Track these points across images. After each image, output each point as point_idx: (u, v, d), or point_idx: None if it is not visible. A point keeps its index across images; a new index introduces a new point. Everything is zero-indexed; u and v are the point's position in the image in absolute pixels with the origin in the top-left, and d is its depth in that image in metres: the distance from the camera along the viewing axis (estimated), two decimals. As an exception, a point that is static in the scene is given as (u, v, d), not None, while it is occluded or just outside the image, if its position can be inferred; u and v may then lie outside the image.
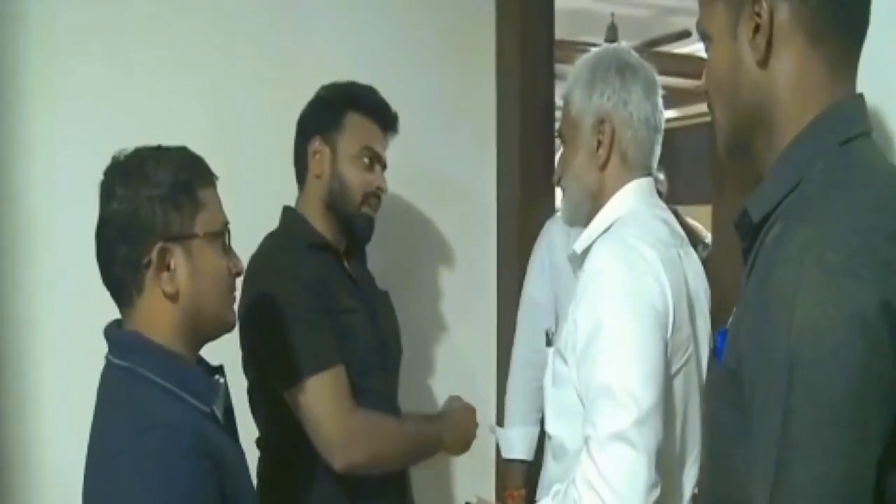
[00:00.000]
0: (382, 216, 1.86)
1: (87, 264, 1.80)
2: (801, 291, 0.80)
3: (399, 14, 2.27)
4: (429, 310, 2.34)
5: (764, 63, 0.94)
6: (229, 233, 1.27)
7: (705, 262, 1.54)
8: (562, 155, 1.54)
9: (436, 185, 2.32)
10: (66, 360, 1.89)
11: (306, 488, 1.62)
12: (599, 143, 1.45)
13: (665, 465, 1.28)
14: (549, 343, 1.96)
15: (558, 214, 2.09)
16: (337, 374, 1.58)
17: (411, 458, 1.75)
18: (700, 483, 1.02)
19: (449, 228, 2.36)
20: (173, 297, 1.19)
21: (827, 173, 0.88)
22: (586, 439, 1.27)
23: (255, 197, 1.71)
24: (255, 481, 1.47)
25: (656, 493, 1.24)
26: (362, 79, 1.78)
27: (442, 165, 2.33)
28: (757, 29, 0.93)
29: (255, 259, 1.62)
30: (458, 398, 1.87)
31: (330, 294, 1.64)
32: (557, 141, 1.61)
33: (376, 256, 1.91)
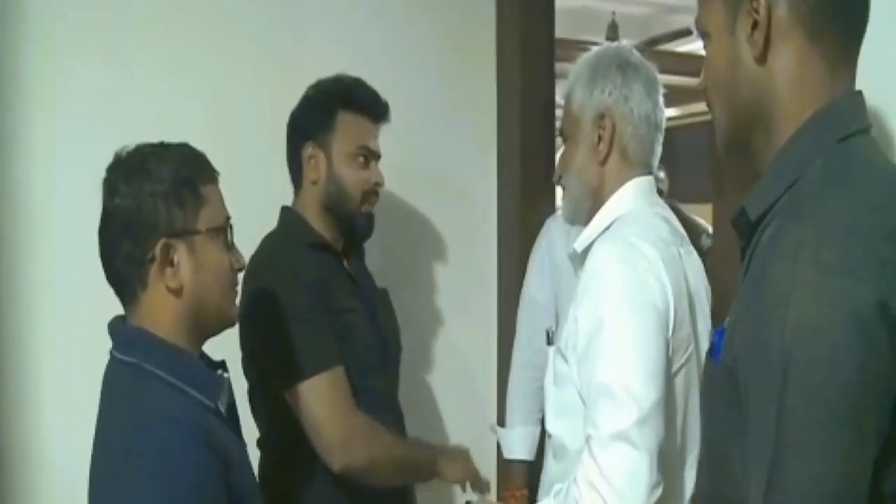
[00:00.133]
0: (383, 216, 1.86)
1: (87, 263, 1.80)
2: (796, 290, 0.79)
3: (399, 14, 2.27)
4: (429, 309, 2.34)
5: (762, 60, 0.93)
6: (231, 228, 1.28)
7: (707, 254, 1.54)
8: (563, 153, 1.54)
9: (436, 184, 2.32)
10: (67, 359, 1.89)
11: (307, 488, 1.62)
12: (600, 137, 1.45)
13: (666, 464, 1.28)
14: (549, 342, 1.96)
15: (558, 213, 2.09)
16: (337, 375, 1.58)
17: (406, 474, 1.72)
18: (698, 483, 1.02)
19: (449, 228, 2.36)
20: (177, 293, 1.20)
21: (824, 171, 0.87)
22: (587, 439, 1.27)
23: (254, 196, 1.71)
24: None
25: (658, 492, 1.24)
26: (363, 78, 1.78)
27: (442, 165, 2.33)
28: (755, 25, 0.93)
29: (254, 259, 1.62)
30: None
31: (330, 294, 1.64)
32: (558, 141, 1.60)
33: (377, 256, 1.91)
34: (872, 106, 0.99)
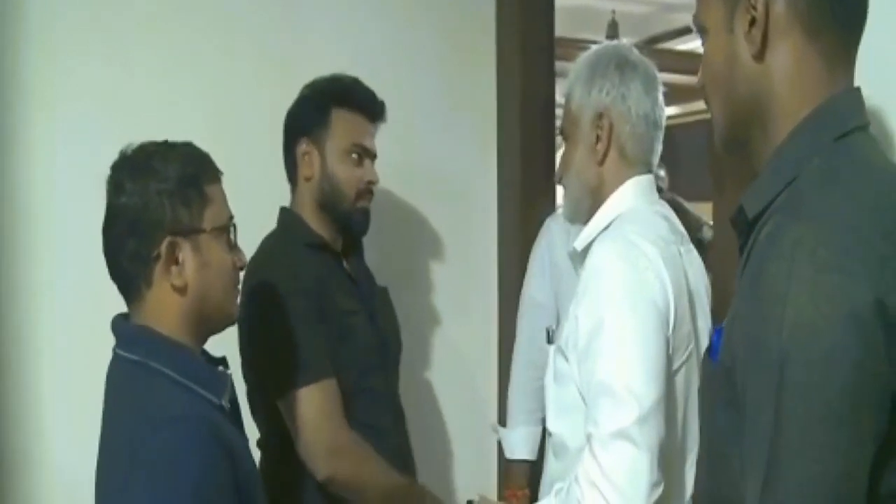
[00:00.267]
0: (384, 216, 1.86)
1: (87, 263, 1.80)
2: (793, 288, 0.79)
3: (399, 13, 2.27)
4: (429, 309, 2.33)
5: (760, 57, 0.93)
6: (235, 228, 1.29)
7: (709, 248, 1.54)
8: (563, 152, 1.54)
9: (436, 183, 2.32)
10: (67, 359, 1.89)
11: (307, 488, 1.62)
12: (598, 137, 1.45)
13: (667, 462, 1.28)
14: (550, 341, 1.96)
15: (558, 212, 2.09)
16: (329, 388, 1.58)
17: (386, 499, 1.68)
18: (697, 482, 1.02)
19: (450, 227, 2.35)
20: (182, 291, 1.21)
21: (822, 169, 0.87)
22: (588, 437, 1.26)
23: (254, 196, 1.70)
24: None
25: (659, 490, 1.24)
26: (362, 78, 1.78)
27: (442, 164, 2.33)
28: (753, 22, 0.92)
29: (254, 260, 1.62)
30: None
31: (329, 296, 1.64)
32: (559, 140, 1.60)
33: (377, 255, 1.91)
34: (872, 104, 0.98)
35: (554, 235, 2.07)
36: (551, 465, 1.49)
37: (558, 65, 2.44)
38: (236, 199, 1.33)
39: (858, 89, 0.94)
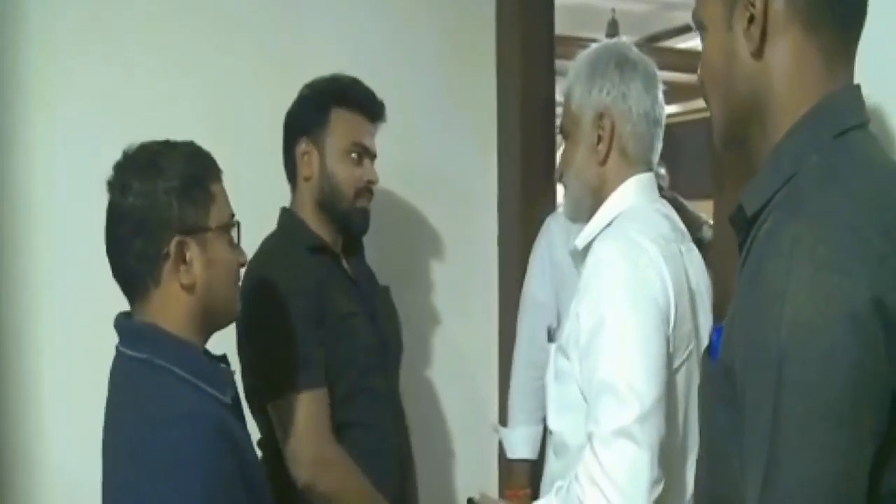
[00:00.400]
0: (384, 215, 1.86)
1: (87, 263, 1.80)
2: (791, 287, 0.78)
3: (399, 13, 2.27)
4: (430, 308, 2.33)
5: (758, 54, 0.93)
6: (239, 225, 1.30)
7: (709, 246, 1.54)
8: (564, 150, 1.54)
9: (437, 183, 2.32)
10: (67, 359, 1.89)
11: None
12: (599, 137, 1.45)
13: (668, 460, 1.27)
14: (551, 339, 1.95)
15: (558, 211, 2.09)
16: (319, 397, 1.59)
17: None
18: (697, 482, 1.01)
19: (450, 227, 2.35)
20: (190, 289, 1.22)
21: (821, 167, 0.87)
22: (589, 436, 1.26)
23: (254, 196, 1.70)
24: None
25: (659, 488, 1.24)
26: (362, 78, 1.78)
27: (442, 163, 2.33)
28: (751, 19, 0.92)
29: (253, 262, 1.62)
30: None
31: (329, 299, 1.64)
32: (559, 138, 1.60)
33: (377, 255, 1.91)
34: (872, 102, 0.98)
35: (554, 234, 2.07)
36: (552, 464, 1.49)
37: (558, 63, 2.44)
38: (236, 199, 1.34)
39: (858, 87, 0.94)
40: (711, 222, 2.89)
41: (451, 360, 2.36)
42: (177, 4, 2.02)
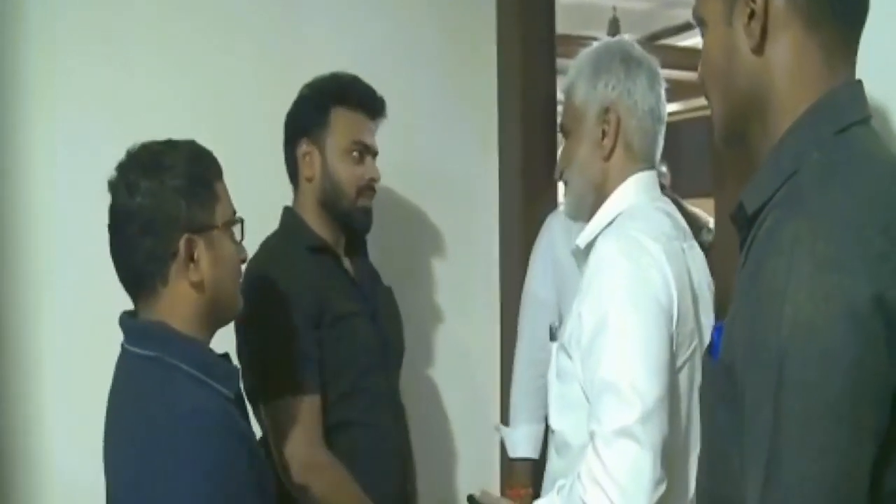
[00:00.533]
0: (384, 213, 1.85)
1: (87, 263, 1.79)
2: (791, 285, 0.78)
3: (400, 12, 2.26)
4: (431, 307, 2.33)
5: (759, 50, 0.92)
6: (242, 222, 1.32)
7: (709, 248, 1.53)
8: (565, 148, 1.53)
9: (437, 181, 2.31)
10: (67, 360, 1.89)
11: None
12: (604, 132, 1.44)
13: (670, 460, 1.27)
14: (552, 338, 1.95)
15: (559, 209, 2.08)
16: (311, 403, 1.59)
17: None
18: (698, 481, 1.01)
19: (451, 224, 2.35)
20: (198, 287, 1.23)
21: (822, 164, 0.86)
22: (591, 435, 1.26)
23: (254, 196, 1.70)
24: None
25: (662, 488, 1.24)
26: (363, 77, 1.78)
27: (443, 161, 2.32)
28: (752, 15, 0.91)
29: (254, 262, 1.61)
30: None
31: (328, 299, 1.64)
32: (560, 136, 1.60)
33: (378, 253, 1.91)
34: (875, 98, 0.98)
35: (555, 233, 2.07)
36: (553, 463, 1.49)
37: (559, 62, 2.43)
38: (236, 199, 1.34)
39: (860, 82, 0.93)
40: (711, 224, 2.89)
41: (453, 359, 2.36)
42: (177, 4, 2.02)
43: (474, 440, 2.37)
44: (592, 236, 1.43)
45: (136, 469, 1.15)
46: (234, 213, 1.31)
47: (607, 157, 1.45)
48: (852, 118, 0.90)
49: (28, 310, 1.89)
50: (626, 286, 1.30)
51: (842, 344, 0.76)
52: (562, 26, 2.50)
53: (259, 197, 1.74)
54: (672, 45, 4.53)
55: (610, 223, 1.42)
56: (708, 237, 2.73)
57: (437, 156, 2.31)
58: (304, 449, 1.57)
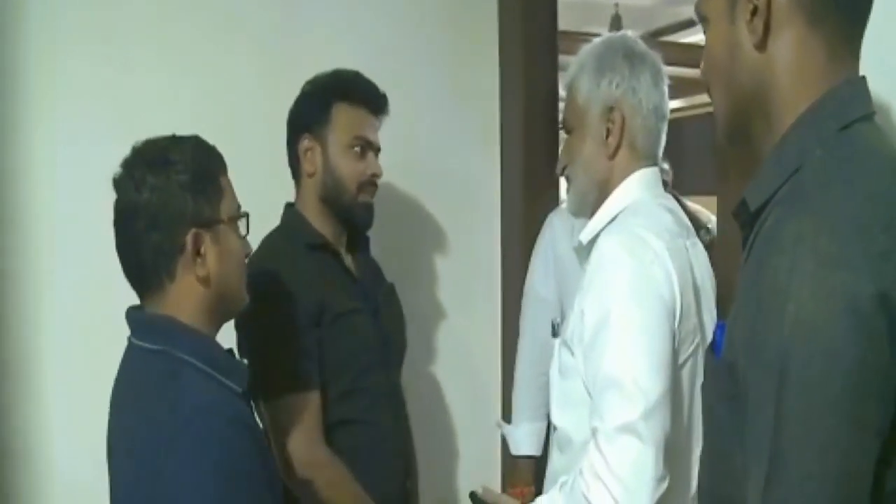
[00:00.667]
0: (385, 209, 1.85)
1: (88, 261, 1.80)
2: (794, 283, 0.78)
3: (402, 8, 2.26)
4: (432, 303, 2.33)
5: (762, 46, 0.92)
6: (248, 217, 1.32)
7: (708, 248, 1.53)
8: (567, 144, 1.52)
9: (439, 178, 2.31)
10: (68, 358, 1.90)
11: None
12: (608, 131, 1.44)
13: (672, 456, 1.27)
14: (554, 334, 1.95)
15: (561, 207, 2.08)
16: (310, 400, 1.59)
17: None
18: (699, 480, 1.01)
19: (453, 222, 2.35)
20: (205, 281, 1.23)
21: (825, 161, 0.86)
22: (594, 431, 1.26)
23: (255, 193, 1.70)
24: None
25: (664, 485, 1.24)
26: (365, 72, 1.77)
27: (445, 157, 2.32)
28: (755, 11, 0.91)
29: (253, 259, 1.61)
30: None
31: (328, 297, 1.64)
32: (561, 133, 1.59)
33: (379, 250, 1.90)
34: (878, 95, 0.97)
35: (557, 230, 2.07)
36: (555, 459, 1.49)
37: (561, 59, 2.43)
38: (238, 196, 1.33)
39: (863, 78, 0.93)
40: (710, 224, 2.88)
41: (454, 357, 2.36)
42: (177, 3, 2.02)
43: (476, 437, 2.37)
44: (595, 233, 1.43)
45: (146, 463, 1.15)
46: (239, 207, 1.32)
47: (612, 156, 1.44)
48: (856, 114, 0.89)
49: (28, 308, 1.89)
50: (629, 282, 1.30)
51: (844, 342, 0.75)
52: (563, 23, 2.50)
53: (260, 194, 1.74)
54: (674, 42, 4.52)
55: (612, 220, 1.42)
56: (707, 237, 2.72)
57: (438, 153, 2.31)
58: (304, 447, 1.57)
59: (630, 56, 1.45)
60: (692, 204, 3.18)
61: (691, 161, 4.60)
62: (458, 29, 2.34)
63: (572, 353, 1.38)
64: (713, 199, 2.32)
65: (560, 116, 1.59)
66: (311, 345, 1.60)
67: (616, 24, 4.16)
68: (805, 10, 0.89)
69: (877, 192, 0.82)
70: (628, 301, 1.29)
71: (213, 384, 1.20)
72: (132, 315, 1.26)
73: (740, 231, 0.96)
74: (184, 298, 1.23)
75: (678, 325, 1.32)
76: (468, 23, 2.36)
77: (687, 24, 4.42)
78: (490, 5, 2.39)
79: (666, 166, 3.44)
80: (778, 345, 0.78)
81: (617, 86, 1.43)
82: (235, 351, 1.63)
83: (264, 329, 1.57)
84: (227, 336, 1.51)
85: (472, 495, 1.46)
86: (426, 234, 2.33)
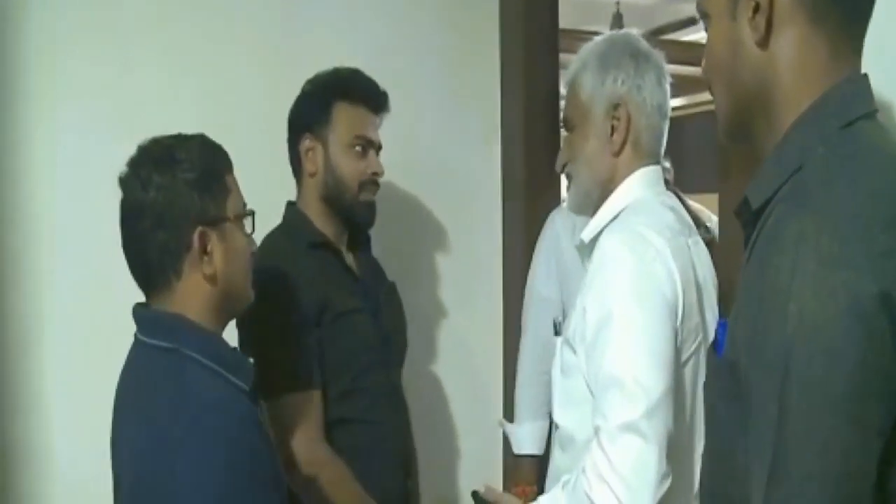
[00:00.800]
0: (386, 208, 1.85)
1: (89, 259, 1.79)
2: (796, 282, 0.77)
3: (402, 5, 2.26)
4: (433, 302, 2.33)
5: (764, 43, 0.91)
6: (253, 214, 1.33)
7: (707, 247, 1.53)
8: (569, 141, 1.52)
9: (440, 176, 2.31)
10: (68, 359, 1.90)
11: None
12: (613, 128, 1.44)
13: (675, 455, 1.27)
14: (556, 333, 1.95)
15: (562, 206, 2.08)
16: (312, 399, 1.59)
17: None
18: (701, 479, 1.00)
19: (454, 221, 2.35)
20: (212, 280, 1.24)
21: (827, 159, 0.85)
22: (596, 430, 1.26)
23: (256, 192, 1.70)
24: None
25: (667, 483, 1.23)
26: (366, 71, 1.77)
27: (446, 156, 2.32)
28: (756, 8, 0.91)
29: (255, 259, 1.62)
30: None
31: (328, 296, 1.64)
32: (562, 132, 1.59)
33: (380, 249, 1.90)
34: (881, 93, 0.97)
35: (559, 229, 2.07)
36: (557, 458, 1.49)
37: (562, 57, 2.43)
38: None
39: (866, 76, 0.92)
40: (709, 224, 2.88)
41: (456, 356, 2.36)
42: (178, 2, 2.01)
43: (477, 436, 2.37)
44: (597, 231, 1.43)
45: (152, 460, 1.15)
46: (245, 205, 1.32)
47: (617, 153, 1.44)
48: (858, 112, 0.89)
49: (30, 306, 1.89)
50: (631, 280, 1.30)
51: (846, 341, 0.75)
52: (565, 21, 2.49)
53: (260, 192, 1.74)
54: (675, 40, 4.52)
55: (614, 218, 1.42)
56: (706, 236, 2.72)
57: (439, 151, 2.31)
58: (305, 445, 1.57)
59: (635, 55, 1.45)
60: (693, 203, 3.18)
61: (691, 160, 4.60)
62: (458, 28, 2.34)
63: (574, 352, 1.37)
64: (714, 197, 2.32)
65: (561, 114, 1.58)
66: (313, 343, 1.60)
67: (617, 22, 4.15)
68: (807, 8, 0.89)
69: (879, 191, 0.82)
70: (630, 299, 1.29)
71: (221, 381, 1.20)
72: (139, 312, 1.26)
73: (742, 230, 0.96)
74: (190, 296, 1.23)
75: (680, 324, 1.32)
76: (469, 21, 2.36)
77: (688, 23, 4.42)
78: (491, 4, 2.39)
79: (667, 165, 3.43)
80: (780, 344, 0.78)
81: (622, 83, 1.43)
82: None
83: (265, 328, 1.57)
84: (229, 336, 1.51)
85: (475, 495, 1.46)
86: (427, 234, 2.33)
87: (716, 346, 0.95)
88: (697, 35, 4.22)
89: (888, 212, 0.80)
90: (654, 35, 4.41)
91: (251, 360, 1.60)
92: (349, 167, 1.71)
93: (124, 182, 1.24)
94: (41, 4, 1.89)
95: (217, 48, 2.04)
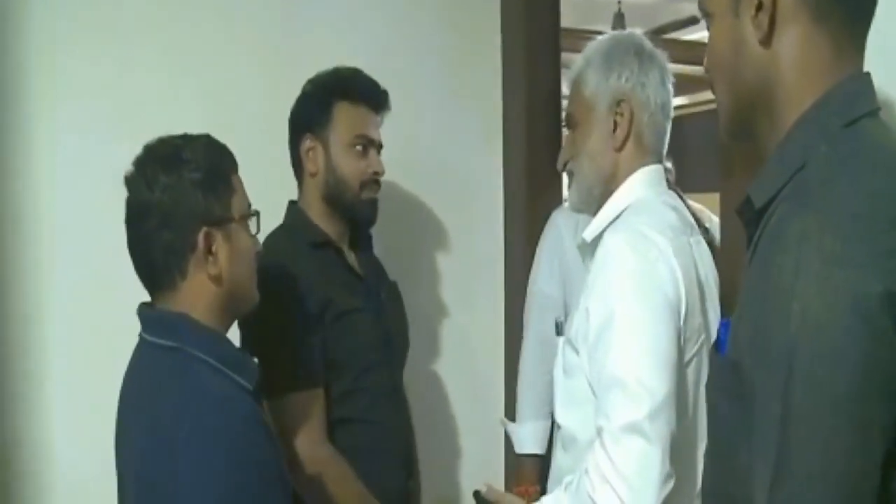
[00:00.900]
0: (388, 207, 1.85)
1: (89, 259, 1.79)
2: (800, 281, 0.77)
3: (402, 5, 2.26)
4: (435, 302, 2.33)
5: (766, 42, 0.91)
6: (258, 215, 1.33)
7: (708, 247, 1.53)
8: (570, 138, 1.52)
9: (441, 175, 2.31)
10: (69, 358, 1.89)
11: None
12: (616, 124, 1.44)
13: (678, 455, 1.26)
14: (559, 332, 1.95)
15: (564, 205, 2.07)
16: (315, 398, 1.59)
17: None
18: (703, 478, 1.00)
19: (455, 219, 2.35)
20: (217, 280, 1.24)
21: (830, 158, 0.85)
22: (599, 431, 1.25)
23: (257, 193, 1.70)
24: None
25: (670, 484, 1.23)
26: (366, 71, 1.77)
27: (447, 156, 2.32)
28: (759, 7, 0.90)
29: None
30: None
31: (330, 296, 1.63)
32: (564, 131, 1.59)
33: (382, 248, 1.91)
34: (883, 92, 0.96)
35: (561, 229, 2.07)
36: (559, 458, 1.48)
37: (563, 56, 2.42)
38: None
39: (868, 74, 0.92)
40: (709, 224, 2.87)
41: (457, 355, 2.35)
42: (177, 2, 2.01)
43: (479, 436, 2.37)
44: (599, 230, 1.42)
45: (157, 459, 1.15)
46: (250, 205, 1.33)
47: (619, 149, 1.44)
48: (861, 111, 0.88)
49: (32, 306, 1.88)
50: (634, 281, 1.29)
51: (850, 341, 0.75)
52: (566, 20, 2.49)
53: (261, 192, 1.73)
54: (677, 39, 4.52)
55: (616, 217, 1.42)
56: (705, 237, 2.72)
57: (440, 150, 2.31)
58: (307, 444, 1.57)
59: (640, 53, 1.45)
60: (693, 203, 3.18)
61: (693, 159, 4.60)
62: (459, 27, 2.34)
63: (576, 352, 1.37)
64: (715, 197, 2.31)
65: (563, 112, 1.58)
66: (315, 343, 1.60)
67: (619, 21, 4.15)
68: (810, 6, 0.89)
69: (882, 189, 0.81)
70: (633, 299, 1.28)
71: (225, 381, 1.21)
72: (144, 312, 1.27)
73: (744, 229, 0.95)
74: (195, 296, 1.24)
75: (683, 323, 1.31)
76: (469, 21, 2.36)
77: (689, 22, 4.42)
78: (492, 4, 2.39)
79: (669, 164, 3.43)
80: (783, 344, 0.77)
81: (626, 80, 1.43)
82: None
83: (268, 327, 1.57)
84: (232, 336, 1.51)
85: (477, 494, 1.45)
86: (429, 233, 2.32)
87: (718, 346, 0.94)
88: (699, 34, 4.22)
89: (891, 210, 0.80)
90: (656, 34, 4.42)
91: (258, 358, 1.61)
92: (350, 167, 1.71)
93: (130, 181, 1.24)
94: (41, 4, 1.89)
95: (217, 48, 2.04)
